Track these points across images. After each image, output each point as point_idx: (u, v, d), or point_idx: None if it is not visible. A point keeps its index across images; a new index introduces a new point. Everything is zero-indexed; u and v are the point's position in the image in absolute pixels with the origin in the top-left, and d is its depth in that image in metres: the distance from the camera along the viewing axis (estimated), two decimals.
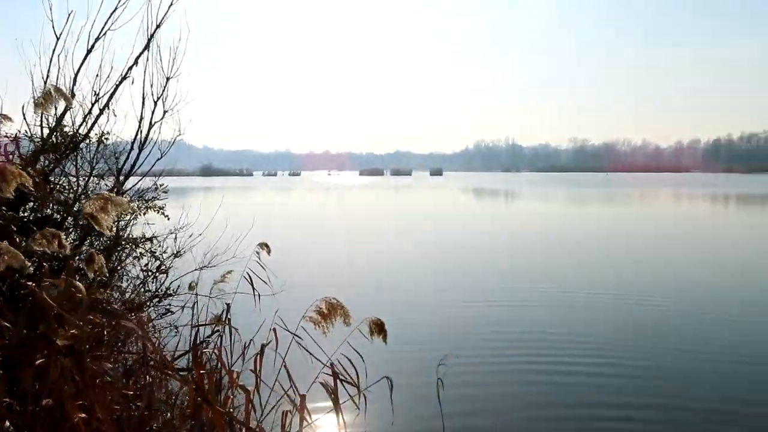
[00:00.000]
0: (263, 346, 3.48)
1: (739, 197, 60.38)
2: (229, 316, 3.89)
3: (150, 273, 5.77)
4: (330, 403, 3.27)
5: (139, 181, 5.69)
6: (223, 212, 7.58)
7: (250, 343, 3.82)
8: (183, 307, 5.15)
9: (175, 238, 6.29)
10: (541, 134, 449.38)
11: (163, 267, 5.83)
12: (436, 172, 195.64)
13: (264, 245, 4.33)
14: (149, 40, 4.67)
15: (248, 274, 4.25)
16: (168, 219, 6.27)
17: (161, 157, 5.21)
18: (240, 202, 51.56)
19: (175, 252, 6.15)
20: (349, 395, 3.46)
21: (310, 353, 3.40)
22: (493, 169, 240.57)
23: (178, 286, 5.97)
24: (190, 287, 5.17)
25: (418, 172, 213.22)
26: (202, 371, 3.30)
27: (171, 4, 4.70)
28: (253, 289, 4.23)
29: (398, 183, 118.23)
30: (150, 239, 5.80)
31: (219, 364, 3.60)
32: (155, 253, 5.85)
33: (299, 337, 3.41)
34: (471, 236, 26.86)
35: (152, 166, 5.27)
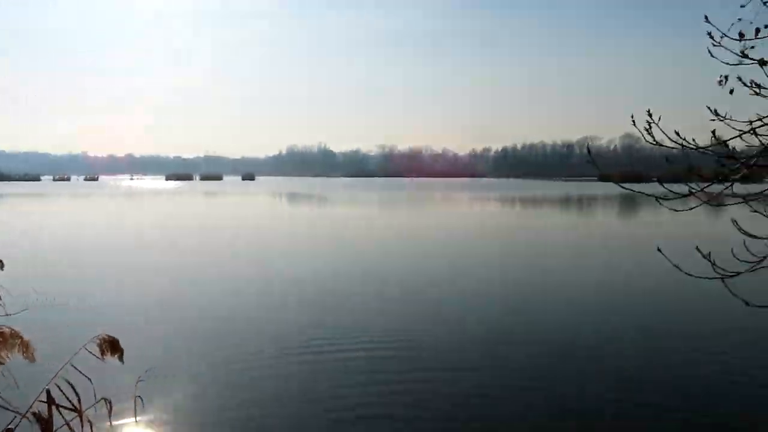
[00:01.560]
0: None
1: (522, 198, 68.30)
2: None
3: None
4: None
5: None
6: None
7: None
8: None
9: None
10: (351, 140, 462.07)
11: None
12: (249, 177, 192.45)
13: None
14: None
15: None
16: None
17: None
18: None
19: None
20: (66, 422, 3.56)
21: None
22: (305, 174, 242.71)
23: None
24: None
25: (230, 177, 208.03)
26: None
27: None
28: None
29: (207, 188, 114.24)
30: None
31: None
32: None
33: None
34: (260, 238, 27.24)
35: None
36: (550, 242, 28.39)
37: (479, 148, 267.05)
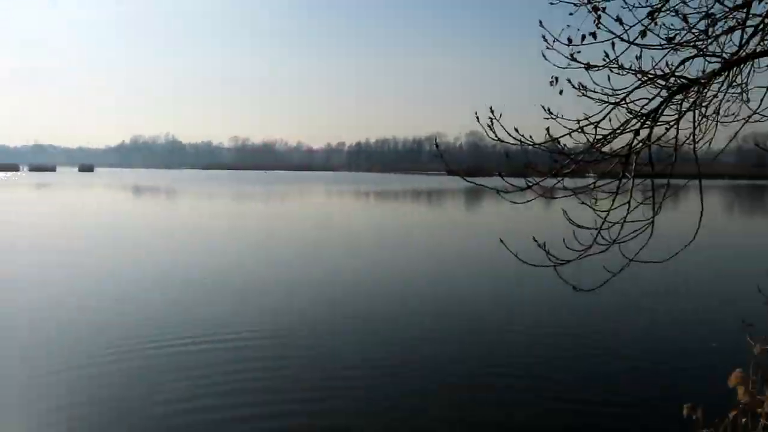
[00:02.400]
0: None
1: (374, 192, 69.82)
2: None
3: None
4: None
5: None
6: None
7: None
8: None
9: None
10: (202, 132, 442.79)
11: None
12: (87, 168, 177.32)
13: None
14: None
15: None
16: None
17: None
18: None
19: None
20: None
21: None
22: (152, 166, 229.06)
23: None
24: None
25: (65, 168, 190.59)
26: None
27: None
28: None
29: (39, 180, 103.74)
30: None
31: None
32: None
33: None
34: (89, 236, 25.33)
35: None
36: (399, 235, 29.35)
37: (334, 142, 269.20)
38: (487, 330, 11.73)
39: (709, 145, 4.48)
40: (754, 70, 4.13)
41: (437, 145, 4.02)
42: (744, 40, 3.59)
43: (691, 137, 4.03)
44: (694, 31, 3.85)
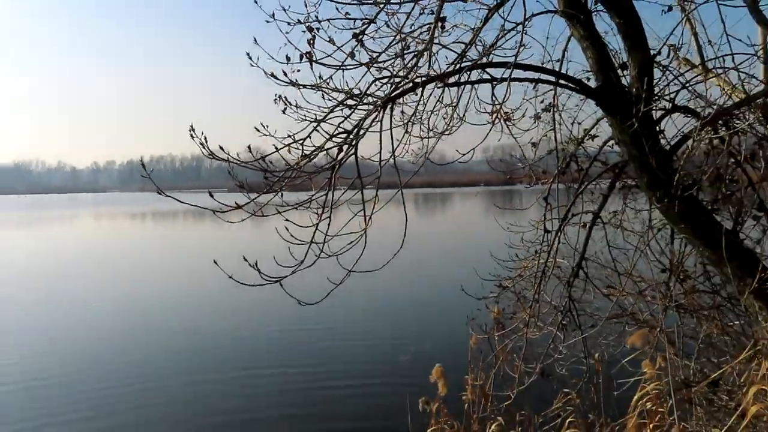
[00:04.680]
0: None
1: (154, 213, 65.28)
2: None
3: None
4: None
5: None
6: None
7: None
8: None
9: None
10: None
11: None
12: None
13: None
14: None
15: None
16: None
17: None
18: None
19: None
20: None
21: None
22: None
23: None
24: None
25: None
26: None
27: None
28: None
29: None
30: None
31: None
32: None
33: None
34: None
35: None
36: (121, 259, 28.10)
37: (102, 161, 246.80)
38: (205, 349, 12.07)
39: (425, 156, 4.85)
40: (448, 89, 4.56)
41: (143, 165, 3.78)
42: (428, 64, 3.95)
43: (406, 150, 4.36)
44: (389, 54, 4.15)
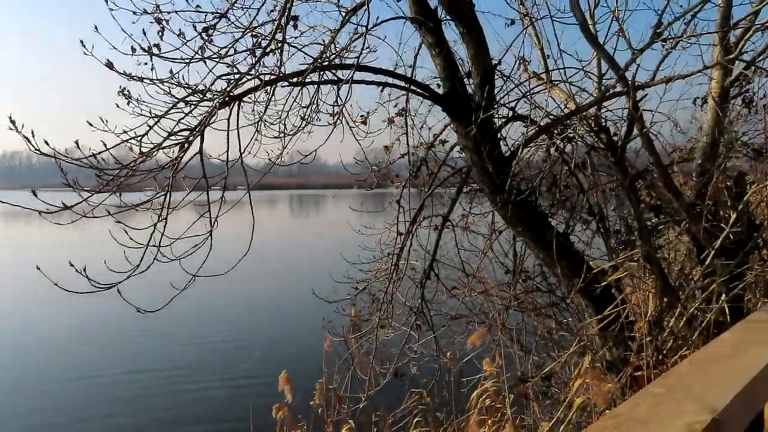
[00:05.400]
0: None
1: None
2: None
3: None
4: None
5: None
6: None
7: None
8: None
9: None
10: None
11: None
12: None
13: None
14: None
15: None
16: None
17: None
18: None
19: None
20: None
21: None
22: None
23: None
24: None
25: None
26: None
27: None
28: None
29: None
30: None
31: None
32: None
33: None
34: None
35: None
36: None
37: None
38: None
39: (280, 156, 4.74)
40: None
41: None
42: (280, 62, 3.87)
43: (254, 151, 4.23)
44: (239, 51, 4.01)
